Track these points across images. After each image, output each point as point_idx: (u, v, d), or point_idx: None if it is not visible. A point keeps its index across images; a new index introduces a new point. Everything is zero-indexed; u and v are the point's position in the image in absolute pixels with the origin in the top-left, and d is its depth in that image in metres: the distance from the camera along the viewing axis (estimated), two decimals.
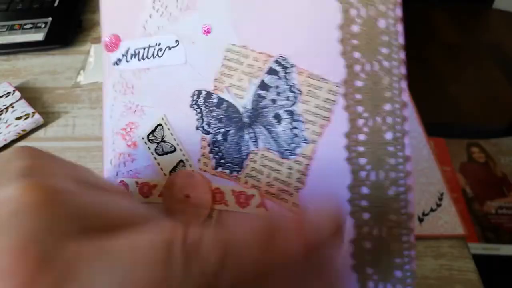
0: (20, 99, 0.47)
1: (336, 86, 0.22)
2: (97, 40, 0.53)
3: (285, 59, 0.23)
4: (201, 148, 0.25)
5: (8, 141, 0.45)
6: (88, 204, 0.15)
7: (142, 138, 0.26)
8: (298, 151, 0.23)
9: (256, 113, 0.24)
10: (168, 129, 0.26)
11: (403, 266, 0.21)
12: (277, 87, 0.23)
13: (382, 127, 0.21)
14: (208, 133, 0.25)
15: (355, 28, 0.21)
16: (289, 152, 0.23)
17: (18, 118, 0.45)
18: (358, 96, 0.22)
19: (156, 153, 0.26)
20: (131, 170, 0.26)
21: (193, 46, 0.25)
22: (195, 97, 0.25)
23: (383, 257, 0.21)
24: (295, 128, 0.23)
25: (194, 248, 0.14)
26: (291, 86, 0.23)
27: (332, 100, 0.22)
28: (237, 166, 0.24)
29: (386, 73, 0.21)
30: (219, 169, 0.25)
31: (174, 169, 0.26)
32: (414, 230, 0.21)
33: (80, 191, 0.16)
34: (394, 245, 0.21)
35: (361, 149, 0.22)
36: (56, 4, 0.57)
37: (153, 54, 0.26)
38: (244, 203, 0.24)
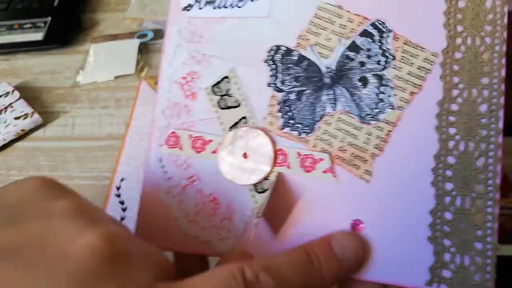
0: (19, 99, 0.52)
1: (434, 55, 0.25)
2: (97, 39, 0.61)
3: (383, 23, 0.26)
4: (269, 106, 0.27)
5: (7, 141, 0.50)
6: (145, 252, 0.22)
7: (206, 88, 0.28)
8: (381, 116, 0.25)
9: (340, 74, 0.26)
10: (235, 82, 0.28)
11: (485, 238, 0.22)
12: (368, 50, 0.26)
13: (478, 99, 0.24)
14: (280, 90, 0.27)
15: (462, 3, 0.24)
16: (371, 117, 0.25)
17: (17, 118, 0.51)
18: (456, 67, 0.24)
19: (219, 106, 0.28)
20: (185, 122, 0.28)
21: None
22: (272, 52, 0.28)
23: (464, 229, 0.23)
24: (382, 93, 0.25)
25: (254, 282, 0.20)
26: (384, 50, 0.25)
27: (427, 69, 0.25)
28: (307, 128, 0.26)
29: (487, 49, 0.24)
30: (286, 129, 0.27)
31: (235, 125, 0.28)
32: (498, 202, 0.22)
33: (129, 235, 0.22)
34: (477, 217, 0.23)
35: (452, 119, 0.24)
36: (55, 3, 0.63)
37: (231, 4, 0.29)
38: (310, 167, 0.26)
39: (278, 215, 0.28)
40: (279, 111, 0.29)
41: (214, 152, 0.30)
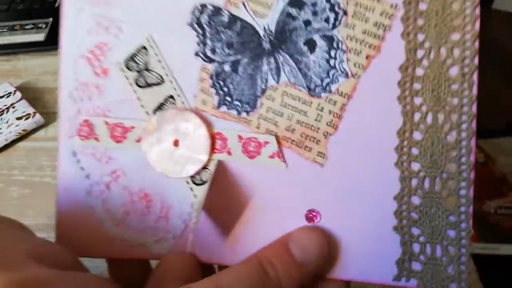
0: (21, 99, 0.54)
1: (393, 7, 0.20)
2: None
3: None
4: (200, 80, 0.23)
5: (9, 141, 0.52)
6: None
7: (118, 63, 0.22)
8: (333, 87, 0.21)
9: (282, 38, 0.22)
10: (155, 54, 0.23)
11: (458, 224, 0.19)
12: (314, 4, 0.21)
13: (447, 60, 0.20)
14: (211, 61, 0.22)
15: None
16: (321, 89, 0.21)
17: (19, 118, 0.52)
18: (420, 22, 0.20)
19: (137, 84, 0.23)
20: (98, 107, 0.23)
21: None
22: (197, 13, 0.22)
23: (434, 215, 0.22)
24: (333, 58, 0.21)
25: None
26: (333, 4, 0.21)
27: (385, 25, 0.21)
28: (247, 106, 0.22)
29: None
30: (223, 108, 0.22)
31: (160, 106, 0.23)
32: (473, 183, 0.19)
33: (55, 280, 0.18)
34: (449, 201, 0.20)
35: (417, 86, 0.20)
36: (57, 4, 0.64)
37: None
38: (254, 152, 0.22)
39: (222, 209, 0.24)
40: (213, 86, 0.24)
41: (138, 140, 0.25)
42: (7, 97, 0.53)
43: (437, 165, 0.22)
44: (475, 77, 0.21)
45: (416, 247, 0.22)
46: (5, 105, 0.52)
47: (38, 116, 0.52)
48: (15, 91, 0.54)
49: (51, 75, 0.58)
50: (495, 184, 0.61)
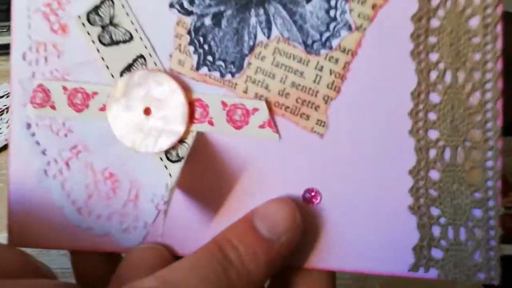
0: None
1: None
2: None
3: None
4: (176, 37, 0.20)
5: (7, 142, 0.47)
6: None
7: (79, 17, 0.19)
8: (334, 42, 0.18)
9: None
10: (122, 5, 0.20)
11: (486, 202, 0.16)
12: None
13: (466, 9, 0.17)
14: (189, 13, 0.19)
15: None
16: (320, 44, 0.18)
17: None
18: None
19: (101, 42, 0.20)
20: (56, 70, 0.21)
21: None
22: None
23: (457, 192, 0.19)
24: (333, 7, 0.18)
25: None
26: None
27: None
28: (233, 66, 0.18)
29: None
30: (204, 70, 0.19)
31: (128, 68, 0.19)
32: (501, 153, 0.16)
33: None
34: (474, 174, 0.17)
35: (433, 40, 0.17)
36: None
37: None
38: (240, 121, 0.18)
39: (203, 192, 0.21)
40: (191, 43, 0.21)
41: (102, 109, 0.21)
42: (7, 97, 0.54)
43: (458, 132, 0.18)
44: (499, 28, 0.18)
45: (436, 230, 0.19)
46: (5, 105, 0.53)
47: None
48: None
49: None
50: None
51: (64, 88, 0.22)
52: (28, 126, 0.22)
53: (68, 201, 0.22)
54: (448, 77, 0.19)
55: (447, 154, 0.19)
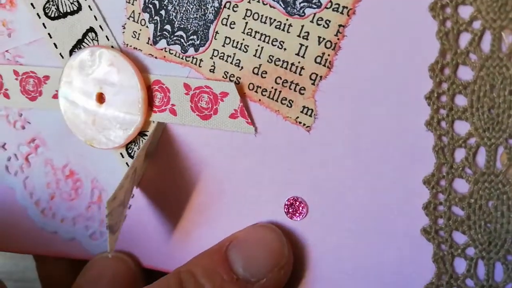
0: None
1: None
2: None
3: None
4: (128, 2, 0.15)
5: None
6: None
7: None
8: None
9: None
10: None
11: None
12: None
13: None
14: None
15: None
16: (306, 3, 0.13)
17: None
18: None
19: (47, 15, 0.16)
20: (7, 51, 0.20)
21: None
22: None
23: (494, 212, 0.14)
24: None
25: None
26: None
27: None
28: (195, 37, 0.15)
29: None
30: (162, 43, 0.16)
31: (78, 44, 0.16)
32: None
33: None
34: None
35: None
36: None
37: None
38: (207, 109, 0.14)
39: (167, 194, 0.18)
40: (145, 10, 0.17)
41: (55, 96, 0.19)
42: None
43: (500, 125, 0.13)
44: None
45: (461, 265, 0.14)
46: None
47: None
48: None
49: None
50: None
51: (15, 73, 0.19)
52: None
53: (31, 201, 0.20)
54: (486, 42, 0.13)
55: (482, 157, 0.14)
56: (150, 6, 0.17)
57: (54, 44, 0.19)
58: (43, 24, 0.19)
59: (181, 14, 0.17)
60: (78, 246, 0.20)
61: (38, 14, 0.19)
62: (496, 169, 0.13)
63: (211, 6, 0.16)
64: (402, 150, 0.14)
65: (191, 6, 0.17)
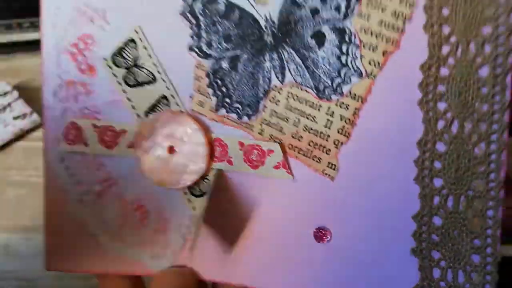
0: (18, 98, 0.58)
1: None
2: None
3: None
4: (196, 79, 0.24)
5: (6, 141, 0.55)
6: None
7: (104, 59, 0.23)
8: (345, 88, 0.21)
9: (286, 29, 0.22)
10: (145, 47, 0.23)
11: (484, 249, 0.20)
12: None
13: (477, 58, 0.19)
14: (207, 56, 0.23)
15: None
16: (331, 90, 0.21)
17: (16, 118, 0.56)
18: (446, 11, 0.19)
19: (126, 83, 0.24)
20: (86, 108, 0.24)
21: None
22: (189, 0, 0.22)
23: (457, 238, 0.23)
24: (344, 54, 0.21)
25: None
26: None
27: (405, 15, 0.21)
28: (249, 109, 0.22)
29: None
30: (222, 111, 0.23)
31: (153, 108, 0.24)
32: (502, 203, 0.22)
33: None
34: (475, 222, 0.22)
35: (442, 88, 0.20)
36: None
37: None
38: (257, 161, 0.22)
39: (224, 223, 0.25)
40: (210, 86, 0.25)
41: (130, 146, 0.26)
42: (4, 96, 0.58)
43: (462, 181, 0.22)
44: (508, 79, 0.21)
45: (436, 273, 0.23)
46: (2, 105, 0.57)
47: (35, 115, 0.56)
48: (12, 90, 0.59)
49: None
50: None
51: (95, 126, 0.26)
52: (62, 160, 0.27)
53: (101, 230, 0.27)
54: (455, 127, 0.22)
55: (450, 202, 0.22)
56: (214, 83, 0.24)
57: (132, 106, 0.25)
58: (123, 90, 0.26)
59: (238, 91, 0.24)
60: (142, 265, 0.27)
61: (118, 82, 0.26)
62: (459, 210, 0.22)
63: (262, 88, 0.24)
64: (398, 196, 0.23)
65: (246, 87, 0.24)
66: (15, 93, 0.58)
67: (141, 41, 0.26)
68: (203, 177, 0.26)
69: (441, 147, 0.22)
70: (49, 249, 0.28)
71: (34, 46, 0.62)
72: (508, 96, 0.21)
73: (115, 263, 0.27)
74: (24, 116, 0.56)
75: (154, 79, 0.26)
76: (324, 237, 0.24)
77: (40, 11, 0.27)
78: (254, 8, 0.24)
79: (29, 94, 0.60)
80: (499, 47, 0.21)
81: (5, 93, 0.58)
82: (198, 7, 0.25)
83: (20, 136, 0.56)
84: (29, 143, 0.57)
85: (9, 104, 0.57)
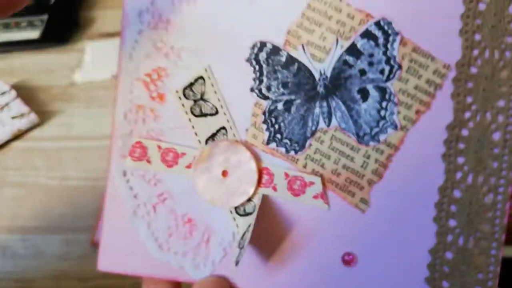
0: (15, 98, 0.60)
1: (446, 67, 0.25)
2: (94, 37, 0.69)
3: (389, 23, 0.26)
4: (253, 115, 0.27)
5: (3, 141, 0.58)
6: None
7: (176, 91, 0.27)
8: (382, 137, 0.26)
9: (336, 83, 0.26)
10: (212, 84, 0.28)
11: (486, 282, 0.25)
12: (371, 55, 0.26)
13: (492, 125, 0.25)
14: (265, 98, 0.27)
15: (482, 6, 0.24)
16: (370, 137, 0.26)
17: (13, 118, 0.58)
18: (470, 84, 0.24)
19: (192, 113, 0.28)
20: (152, 130, 0.28)
21: None
22: (256, 49, 0.27)
23: (464, 271, 0.27)
24: (384, 109, 0.26)
25: None
26: (389, 57, 0.26)
27: (437, 84, 0.25)
28: (297, 145, 0.27)
29: (506, 65, 0.24)
30: (273, 145, 0.27)
31: (212, 136, 0.28)
32: (503, 244, 0.24)
33: None
34: (480, 259, 0.25)
35: (462, 146, 0.25)
36: (52, 1, 0.70)
37: None
38: (299, 190, 0.27)
39: (262, 241, 0.30)
40: (264, 122, 0.29)
41: (188, 167, 0.30)
42: (2, 95, 0.60)
43: (472, 224, 0.27)
44: None
45: None
46: (0, 104, 0.59)
47: (33, 115, 0.59)
48: (9, 89, 0.61)
49: (46, 74, 0.66)
50: None
51: (159, 147, 0.31)
52: (124, 173, 0.32)
53: (151, 238, 0.31)
54: (470, 179, 0.27)
55: (461, 240, 0.27)
56: (268, 121, 0.29)
57: (195, 133, 0.30)
58: (189, 119, 0.30)
59: (289, 129, 0.29)
60: (185, 272, 0.31)
61: (186, 112, 0.30)
62: (468, 247, 0.27)
63: (310, 129, 0.29)
64: (418, 232, 0.28)
65: (297, 126, 0.29)
66: (13, 93, 0.60)
67: (209, 78, 0.31)
68: (249, 199, 0.30)
69: (457, 193, 0.28)
70: (103, 249, 0.32)
71: (32, 45, 0.67)
72: None
73: (161, 269, 0.32)
74: (22, 115, 0.58)
75: (216, 112, 0.31)
76: (350, 261, 0.29)
77: (120, 42, 0.32)
78: (311, 63, 0.29)
79: (27, 93, 0.62)
80: (509, 118, 0.27)
81: (3, 93, 0.60)
82: (262, 56, 0.30)
83: (18, 136, 0.58)
84: (27, 143, 0.59)
85: (7, 104, 0.58)
